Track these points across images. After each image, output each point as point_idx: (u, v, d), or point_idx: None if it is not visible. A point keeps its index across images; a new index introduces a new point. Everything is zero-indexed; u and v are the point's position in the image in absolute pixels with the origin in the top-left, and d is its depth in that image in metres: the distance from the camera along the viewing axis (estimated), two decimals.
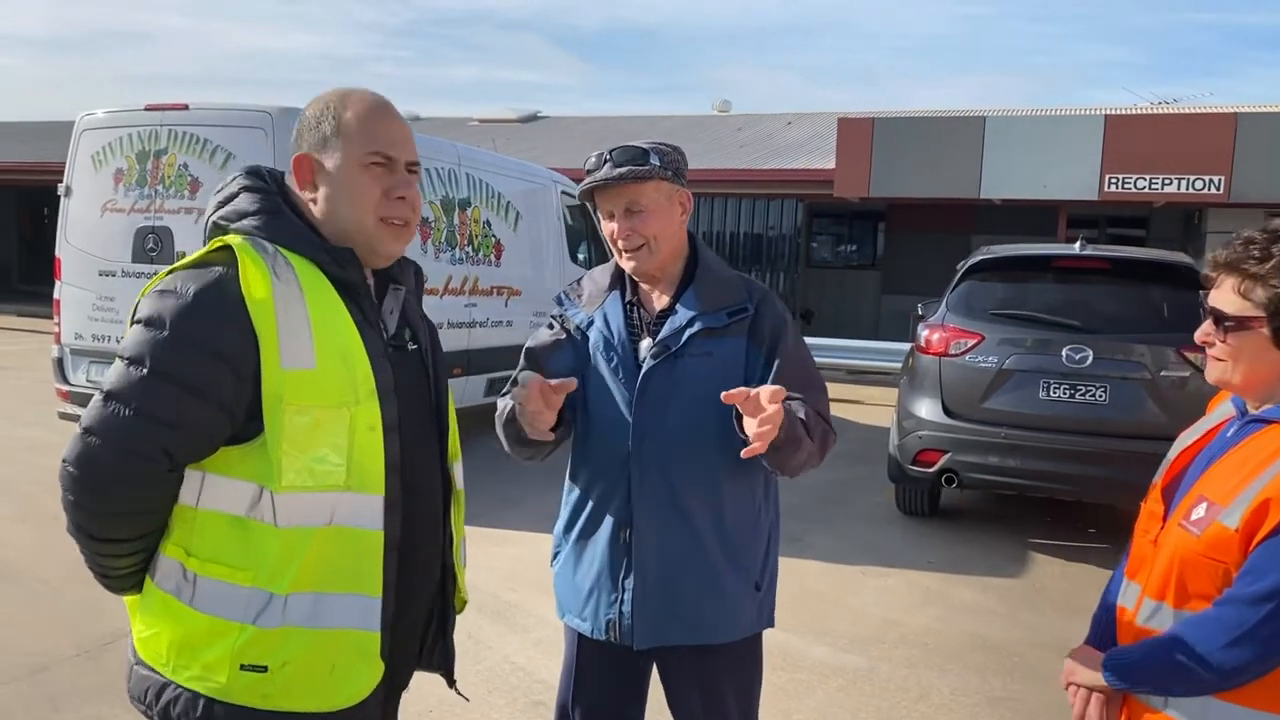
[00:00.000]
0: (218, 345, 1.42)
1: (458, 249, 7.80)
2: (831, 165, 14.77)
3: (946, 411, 5.90)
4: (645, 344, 2.07)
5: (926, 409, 5.96)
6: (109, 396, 1.42)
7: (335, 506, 1.47)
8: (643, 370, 2.03)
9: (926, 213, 16.70)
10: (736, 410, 1.86)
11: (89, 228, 6.76)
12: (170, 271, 1.50)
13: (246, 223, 1.54)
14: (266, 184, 1.61)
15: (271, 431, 1.43)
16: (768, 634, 2.16)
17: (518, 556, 5.38)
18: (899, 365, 7.45)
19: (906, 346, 7.98)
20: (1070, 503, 6.34)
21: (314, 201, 1.59)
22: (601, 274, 2.21)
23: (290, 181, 1.62)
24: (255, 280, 1.44)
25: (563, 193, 9.52)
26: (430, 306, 7.67)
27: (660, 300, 2.11)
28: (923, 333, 6.11)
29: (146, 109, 6.69)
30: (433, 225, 7.50)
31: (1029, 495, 6.17)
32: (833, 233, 18.89)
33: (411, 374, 1.68)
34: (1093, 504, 6.31)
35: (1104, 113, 13.60)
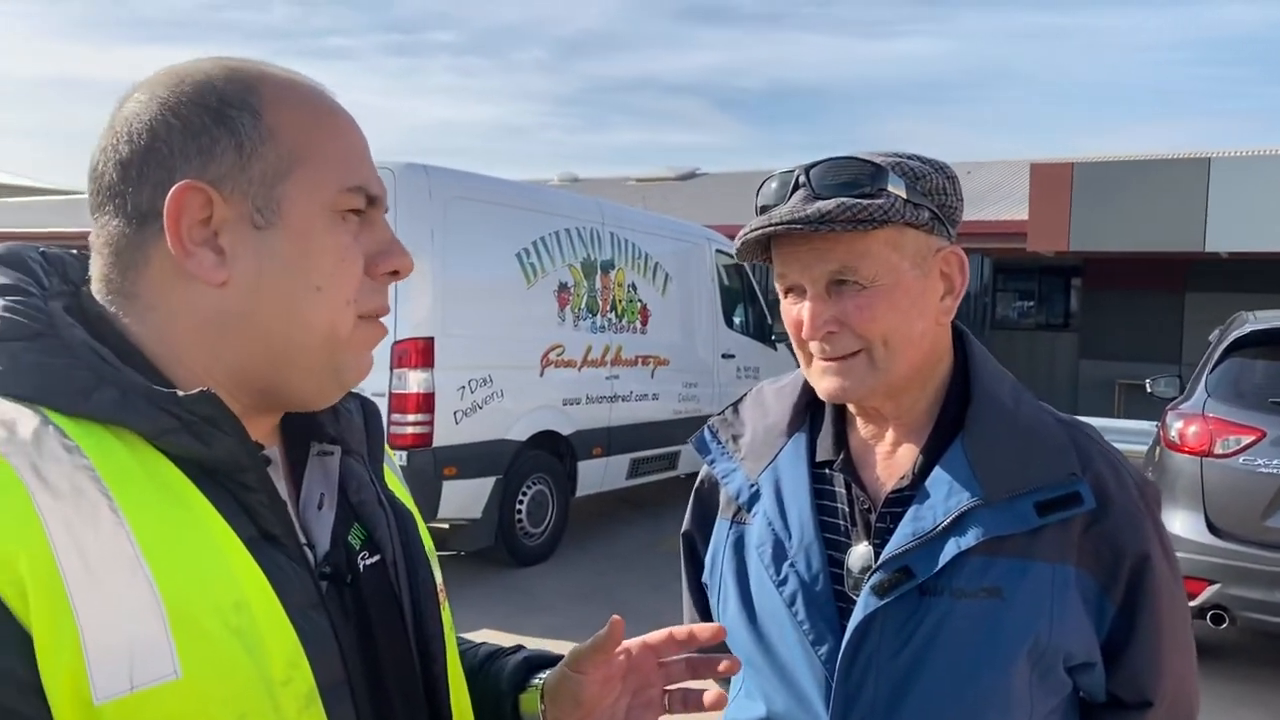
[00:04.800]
0: None
1: (599, 316, 7.00)
2: (1021, 216, 13.30)
3: (1212, 529, 4.53)
4: (860, 553, 1.07)
5: (1183, 524, 4.60)
6: None
7: None
8: (854, 616, 1.03)
9: (1130, 268, 14.86)
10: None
11: None
12: None
13: None
14: (29, 278, 0.75)
15: None
16: None
17: None
18: (1142, 449, 6.05)
19: (1148, 426, 6.56)
20: None
21: (176, 300, 0.73)
22: (776, 397, 1.20)
23: (98, 268, 0.75)
24: None
25: (718, 251, 8.63)
26: (568, 380, 6.94)
27: (892, 463, 1.11)
28: (1175, 424, 4.76)
29: None
30: (572, 290, 6.73)
31: None
32: (1020, 290, 17.18)
33: (379, 622, 0.81)
34: None
35: None
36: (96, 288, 0.75)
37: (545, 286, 6.50)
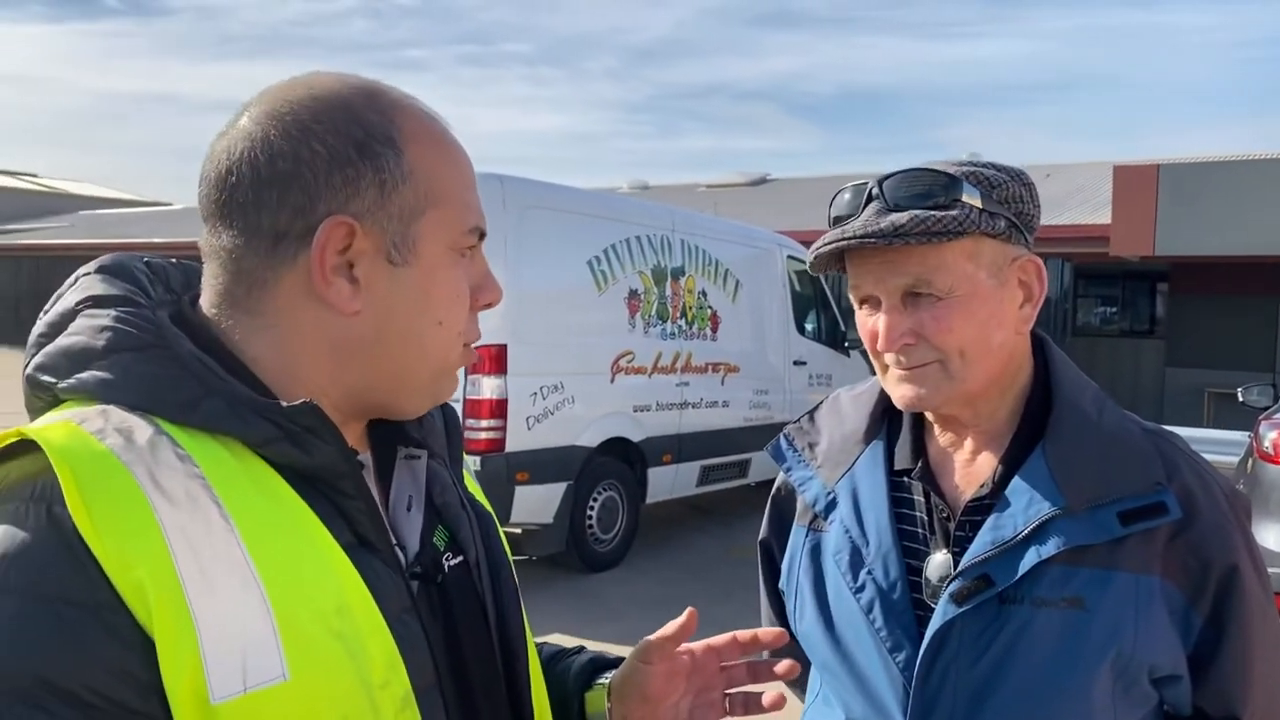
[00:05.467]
0: (46, 673, 0.60)
1: (669, 322, 7.01)
2: (1103, 220, 12.92)
3: None
4: (939, 561, 1.06)
5: (1278, 539, 4.41)
6: None
7: None
8: (932, 623, 1.03)
9: (1220, 272, 14.31)
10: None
11: None
12: None
13: (89, 377, 0.71)
14: (136, 288, 0.77)
15: None
16: None
17: None
18: (1233, 460, 5.83)
19: (1240, 437, 6.32)
20: None
21: (308, 325, 0.76)
22: (853, 405, 1.20)
23: (216, 280, 0.77)
24: (114, 514, 0.63)
25: (789, 257, 8.57)
26: (638, 386, 6.97)
27: (972, 471, 1.10)
28: (1269, 434, 4.58)
29: None
30: (642, 297, 6.77)
31: None
32: (1103, 295, 16.68)
33: (463, 622, 0.83)
34: None
35: None
36: (212, 300, 0.77)
37: (616, 293, 6.55)
